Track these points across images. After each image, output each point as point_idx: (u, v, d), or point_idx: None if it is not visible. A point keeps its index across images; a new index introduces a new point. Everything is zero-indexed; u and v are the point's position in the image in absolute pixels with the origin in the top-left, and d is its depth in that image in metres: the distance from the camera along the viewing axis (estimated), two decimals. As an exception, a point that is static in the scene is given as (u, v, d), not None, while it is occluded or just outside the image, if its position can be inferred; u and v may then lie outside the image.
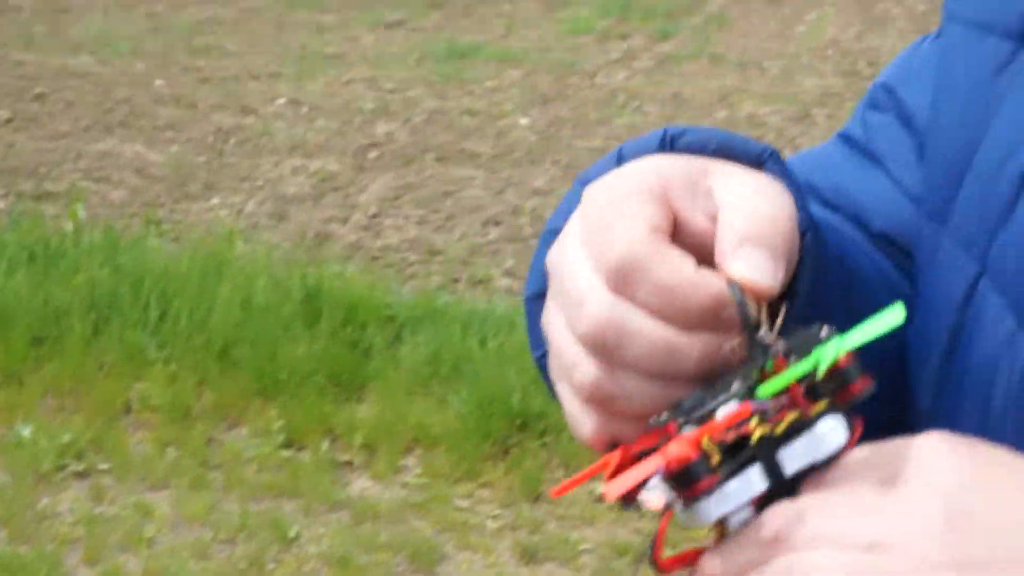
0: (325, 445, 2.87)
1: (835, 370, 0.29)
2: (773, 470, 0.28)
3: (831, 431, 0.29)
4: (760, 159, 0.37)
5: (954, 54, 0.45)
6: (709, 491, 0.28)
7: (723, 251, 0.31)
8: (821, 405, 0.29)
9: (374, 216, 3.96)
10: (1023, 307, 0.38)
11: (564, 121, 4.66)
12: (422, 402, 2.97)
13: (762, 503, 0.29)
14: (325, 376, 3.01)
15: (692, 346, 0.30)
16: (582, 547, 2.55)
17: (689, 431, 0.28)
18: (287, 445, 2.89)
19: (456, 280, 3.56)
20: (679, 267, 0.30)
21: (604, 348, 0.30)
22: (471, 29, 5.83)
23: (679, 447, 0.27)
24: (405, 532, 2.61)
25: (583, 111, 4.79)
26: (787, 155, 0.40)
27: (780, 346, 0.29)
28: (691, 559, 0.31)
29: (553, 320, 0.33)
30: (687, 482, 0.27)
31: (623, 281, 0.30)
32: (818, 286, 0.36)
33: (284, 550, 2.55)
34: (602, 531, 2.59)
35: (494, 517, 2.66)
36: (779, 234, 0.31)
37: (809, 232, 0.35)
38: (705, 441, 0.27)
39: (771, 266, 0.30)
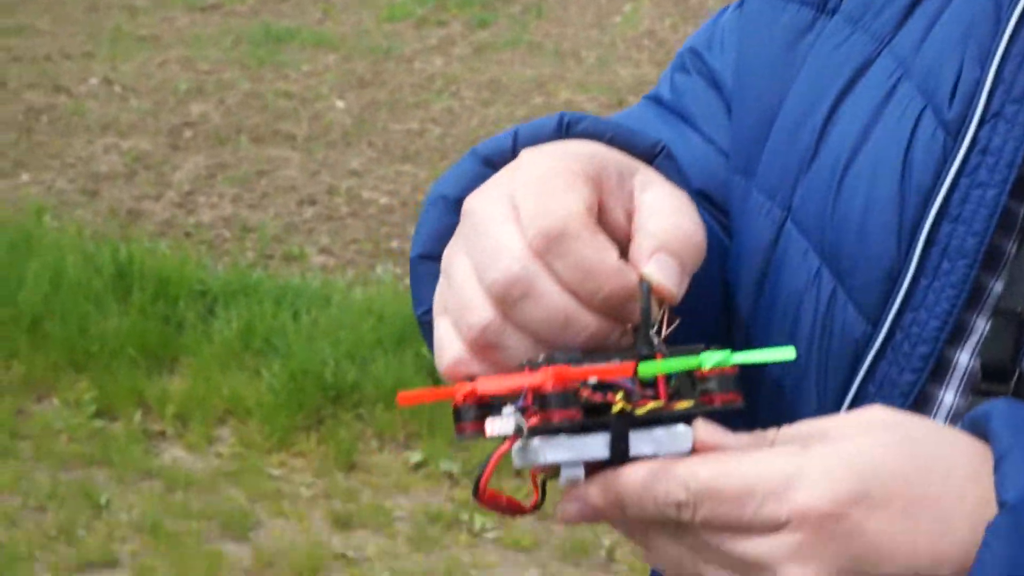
0: (137, 416, 2.88)
1: (716, 373, 0.31)
2: (619, 445, 0.29)
3: (684, 434, 0.30)
4: (653, 152, 0.40)
5: (758, 20, 0.49)
6: (556, 430, 0.29)
7: (641, 252, 0.33)
8: (686, 404, 0.30)
9: (188, 194, 3.93)
10: (825, 246, 0.42)
11: (380, 104, 4.68)
12: (235, 375, 2.99)
13: (592, 470, 0.30)
14: (137, 349, 3.03)
15: (588, 325, 0.32)
16: (396, 514, 2.59)
17: (563, 367, 0.29)
18: (98, 416, 2.90)
19: (270, 257, 3.59)
20: (604, 252, 0.31)
21: (505, 301, 0.31)
22: (287, 14, 5.75)
23: (553, 373, 0.29)
24: (218, 500, 2.62)
25: (399, 95, 4.80)
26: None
27: (663, 347, 0.31)
28: (508, 505, 0.33)
29: (457, 261, 0.34)
30: (544, 407, 0.28)
31: (548, 247, 0.31)
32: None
33: (95, 517, 2.56)
34: (415, 499, 2.64)
35: (308, 486, 2.69)
36: (692, 252, 0.34)
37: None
38: (573, 383, 0.29)
39: (679, 277, 0.33)
